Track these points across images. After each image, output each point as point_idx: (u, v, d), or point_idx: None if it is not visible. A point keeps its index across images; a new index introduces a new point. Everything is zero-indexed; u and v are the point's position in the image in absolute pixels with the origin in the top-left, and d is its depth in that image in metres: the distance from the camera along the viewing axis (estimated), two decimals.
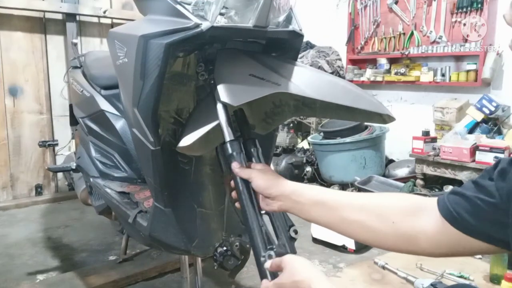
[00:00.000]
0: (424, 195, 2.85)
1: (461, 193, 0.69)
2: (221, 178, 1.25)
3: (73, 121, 2.09)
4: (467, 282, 1.97)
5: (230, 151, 0.92)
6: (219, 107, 0.95)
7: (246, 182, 0.88)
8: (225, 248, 0.97)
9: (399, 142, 3.65)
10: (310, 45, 4.25)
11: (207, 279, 2.06)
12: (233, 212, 1.30)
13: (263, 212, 0.92)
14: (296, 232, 0.90)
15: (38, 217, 3.16)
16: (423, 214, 0.75)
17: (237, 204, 0.90)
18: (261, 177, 0.87)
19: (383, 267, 2.14)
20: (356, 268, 2.19)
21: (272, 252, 0.83)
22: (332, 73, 3.93)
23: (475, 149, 2.83)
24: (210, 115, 1.00)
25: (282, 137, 4.06)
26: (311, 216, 0.85)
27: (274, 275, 0.81)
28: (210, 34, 0.94)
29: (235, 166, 0.89)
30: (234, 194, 0.91)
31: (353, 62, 4.22)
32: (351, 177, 3.30)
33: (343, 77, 4.03)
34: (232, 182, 0.91)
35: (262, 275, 0.82)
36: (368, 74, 3.95)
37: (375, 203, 0.81)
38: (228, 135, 0.93)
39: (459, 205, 0.69)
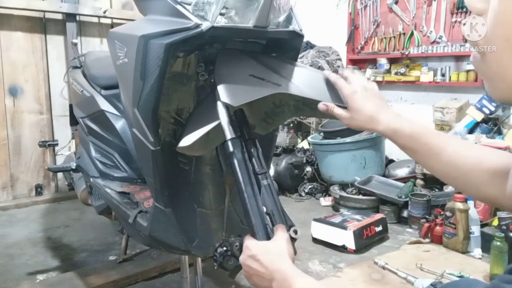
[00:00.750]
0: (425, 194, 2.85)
1: None
2: (221, 178, 1.25)
3: (73, 121, 2.09)
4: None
5: (231, 149, 0.92)
6: (220, 106, 0.95)
7: (246, 171, 0.90)
8: (225, 248, 0.97)
9: None
10: (310, 45, 4.25)
11: (207, 279, 2.06)
12: (233, 212, 1.30)
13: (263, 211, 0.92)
14: (296, 232, 0.90)
15: (38, 217, 3.16)
16: (506, 182, 0.78)
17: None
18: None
19: (383, 267, 2.14)
20: (356, 268, 2.19)
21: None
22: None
23: None
24: (210, 115, 1.00)
25: (282, 137, 4.06)
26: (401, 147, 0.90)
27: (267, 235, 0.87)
28: (210, 34, 0.94)
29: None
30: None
31: (353, 62, 4.22)
32: (351, 177, 3.30)
33: None
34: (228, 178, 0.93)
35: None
36: (368, 74, 3.94)
37: (466, 168, 0.82)
38: (229, 133, 0.93)
39: None
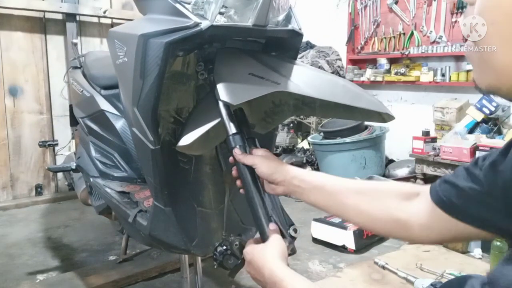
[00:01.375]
0: None
1: (453, 183, 0.70)
2: (221, 177, 1.25)
3: (73, 121, 2.09)
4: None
5: (233, 144, 0.92)
6: (221, 103, 0.95)
7: (250, 169, 0.90)
8: (225, 247, 0.97)
9: (399, 142, 3.65)
10: (310, 45, 4.25)
11: (207, 279, 2.06)
12: (233, 211, 1.30)
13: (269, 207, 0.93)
14: (296, 231, 0.90)
15: (38, 217, 3.16)
16: (416, 200, 0.78)
17: (241, 191, 0.92)
18: (264, 163, 0.89)
19: (383, 267, 2.14)
20: (356, 268, 2.18)
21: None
22: (332, 73, 3.93)
23: (475, 149, 2.83)
24: (210, 114, 1.00)
25: (282, 137, 4.06)
26: (311, 200, 0.88)
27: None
28: (210, 33, 0.94)
29: (237, 152, 0.91)
30: (238, 182, 0.92)
31: (353, 62, 4.22)
32: (351, 177, 3.28)
33: (343, 77, 4.02)
34: (234, 172, 0.93)
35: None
36: (368, 74, 3.95)
37: (371, 189, 0.84)
38: (230, 129, 0.93)
39: (450, 193, 0.70)
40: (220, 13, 0.97)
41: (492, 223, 0.65)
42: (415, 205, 0.78)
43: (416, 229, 0.77)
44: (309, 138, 3.86)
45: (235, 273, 1.00)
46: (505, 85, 0.44)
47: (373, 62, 4.03)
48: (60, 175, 3.56)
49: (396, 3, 3.80)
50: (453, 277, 2.00)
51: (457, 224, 0.70)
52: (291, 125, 4.19)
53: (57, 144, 3.23)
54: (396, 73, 3.75)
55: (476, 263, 2.22)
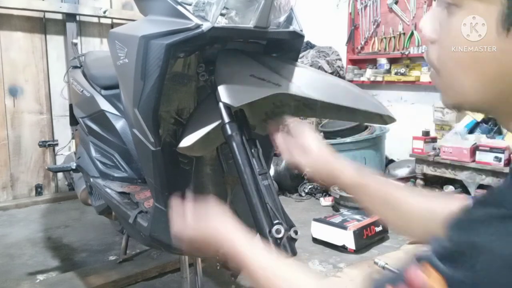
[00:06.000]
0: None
1: None
2: (222, 178, 1.25)
3: (73, 121, 2.09)
4: None
5: (229, 131, 0.93)
6: (222, 104, 0.96)
7: (247, 158, 0.92)
8: None
9: (399, 142, 3.65)
10: (310, 45, 4.25)
11: (207, 279, 2.06)
12: (234, 213, 1.30)
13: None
14: (296, 232, 0.91)
15: (38, 217, 3.16)
16: None
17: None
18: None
19: (383, 267, 2.14)
20: (356, 268, 2.18)
21: (280, 226, 0.86)
22: (332, 73, 3.93)
23: (475, 149, 2.83)
24: (211, 115, 1.00)
25: None
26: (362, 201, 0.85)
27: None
28: (211, 35, 0.94)
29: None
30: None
31: (353, 62, 4.22)
32: None
33: (343, 77, 4.02)
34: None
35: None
36: (368, 74, 3.95)
37: (414, 223, 0.79)
38: (226, 117, 0.94)
39: None
40: (221, 15, 0.97)
41: None
42: None
43: None
44: None
45: (238, 273, 1.01)
46: (467, 102, 0.52)
47: (373, 62, 4.03)
48: (60, 175, 3.56)
49: (396, 3, 3.80)
50: None
51: None
52: None
53: (57, 144, 3.23)
54: (396, 73, 3.75)
55: None
